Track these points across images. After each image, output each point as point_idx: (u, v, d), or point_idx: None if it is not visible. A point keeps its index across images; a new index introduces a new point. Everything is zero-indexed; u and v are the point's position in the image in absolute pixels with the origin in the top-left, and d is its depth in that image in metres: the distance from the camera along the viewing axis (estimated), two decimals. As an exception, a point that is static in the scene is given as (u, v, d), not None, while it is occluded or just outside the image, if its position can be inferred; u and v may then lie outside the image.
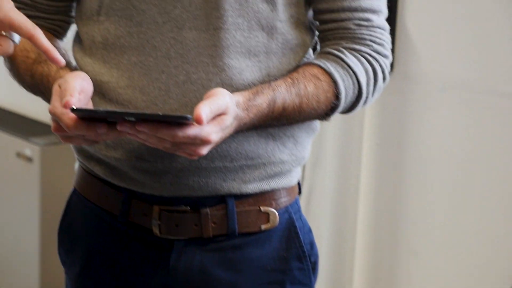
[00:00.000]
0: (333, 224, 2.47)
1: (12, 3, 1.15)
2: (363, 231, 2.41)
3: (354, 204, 2.42)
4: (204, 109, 1.23)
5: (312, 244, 1.50)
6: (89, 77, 1.35)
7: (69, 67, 1.41)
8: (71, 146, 1.49)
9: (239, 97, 1.32)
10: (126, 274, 1.46)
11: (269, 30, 1.40)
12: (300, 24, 1.43)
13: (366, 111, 2.31)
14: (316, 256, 1.51)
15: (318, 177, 2.46)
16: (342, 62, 1.40)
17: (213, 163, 1.39)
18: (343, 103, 1.41)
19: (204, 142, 1.25)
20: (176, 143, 1.25)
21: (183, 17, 1.37)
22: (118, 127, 1.24)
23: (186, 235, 1.43)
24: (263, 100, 1.34)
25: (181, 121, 1.22)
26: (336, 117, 1.45)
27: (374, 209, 2.39)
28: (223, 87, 1.34)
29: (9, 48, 1.16)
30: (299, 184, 1.52)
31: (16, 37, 1.17)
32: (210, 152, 1.34)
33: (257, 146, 1.41)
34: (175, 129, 1.23)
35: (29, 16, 1.24)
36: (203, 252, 1.44)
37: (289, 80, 1.37)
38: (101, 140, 1.31)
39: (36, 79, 1.42)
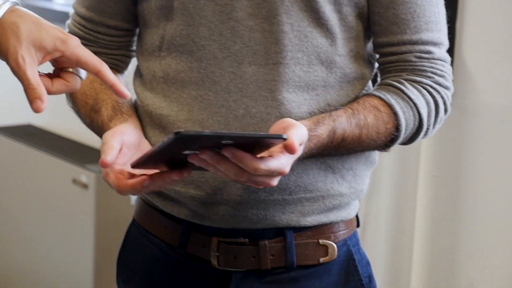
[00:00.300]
0: (388, 256, 2.45)
1: (78, 40, 1.16)
2: (418, 264, 2.39)
3: (409, 237, 2.40)
4: (295, 139, 1.22)
5: (370, 277, 1.50)
6: (130, 127, 1.37)
7: (120, 111, 1.42)
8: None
9: None
10: (184, 305, 1.47)
11: (328, 64, 1.40)
12: (359, 58, 1.43)
13: (423, 142, 2.29)
14: (375, 289, 1.50)
15: (373, 209, 2.44)
16: (402, 94, 1.40)
17: (272, 196, 1.40)
18: (403, 134, 1.41)
19: (280, 174, 1.24)
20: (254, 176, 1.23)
21: (243, 52, 1.38)
22: (200, 156, 1.20)
23: (244, 267, 1.43)
24: (323, 130, 1.34)
25: (276, 141, 1.21)
26: (393, 147, 1.45)
27: (430, 242, 2.36)
28: None
29: (77, 84, 1.18)
30: (357, 216, 1.51)
31: (83, 73, 1.18)
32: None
33: (316, 179, 1.41)
34: (258, 162, 1.21)
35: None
36: (261, 284, 1.44)
37: (349, 110, 1.37)
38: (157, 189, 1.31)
39: (94, 126, 1.45)
